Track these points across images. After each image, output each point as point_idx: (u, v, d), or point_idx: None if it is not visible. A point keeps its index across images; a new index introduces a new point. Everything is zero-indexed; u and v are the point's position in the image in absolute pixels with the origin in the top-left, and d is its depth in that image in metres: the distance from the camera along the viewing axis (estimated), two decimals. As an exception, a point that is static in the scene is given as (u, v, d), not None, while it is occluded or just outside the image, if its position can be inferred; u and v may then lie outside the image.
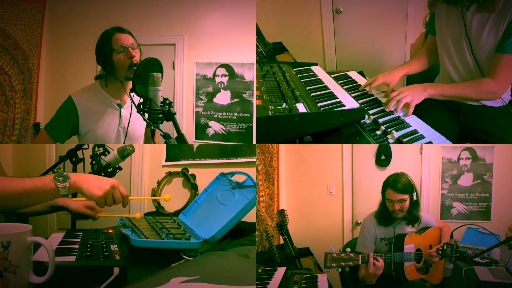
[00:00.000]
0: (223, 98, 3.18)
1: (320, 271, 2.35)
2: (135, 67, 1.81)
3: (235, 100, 3.14)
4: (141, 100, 1.61)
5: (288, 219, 2.69)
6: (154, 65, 1.63)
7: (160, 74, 1.58)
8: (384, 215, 2.15)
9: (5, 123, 2.90)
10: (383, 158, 3.05)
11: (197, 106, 3.23)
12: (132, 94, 1.74)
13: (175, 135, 1.56)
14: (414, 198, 2.13)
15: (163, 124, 1.59)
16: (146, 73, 1.57)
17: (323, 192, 3.17)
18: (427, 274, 2.10)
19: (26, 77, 3.09)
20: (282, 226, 2.54)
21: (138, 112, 1.59)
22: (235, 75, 3.14)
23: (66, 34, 3.31)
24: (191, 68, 3.22)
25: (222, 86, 3.17)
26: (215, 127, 3.20)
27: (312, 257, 2.59)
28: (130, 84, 1.92)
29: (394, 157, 3.04)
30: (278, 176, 3.11)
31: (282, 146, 3.15)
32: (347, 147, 3.11)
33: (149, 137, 2.12)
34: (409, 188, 2.10)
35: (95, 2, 3.24)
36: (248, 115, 3.12)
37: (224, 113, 3.17)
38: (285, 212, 2.70)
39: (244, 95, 3.12)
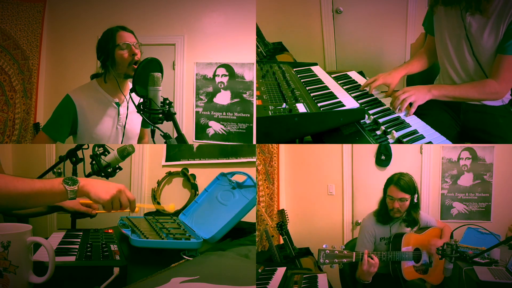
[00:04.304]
0: (223, 98, 3.18)
1: (320, 271, 2.35)
2: (135, 65, 1.81)
3: (235, 100, 3.15)
4: (141, 100, 1.60)
5: (288, 219, 2.69)
6: (154, 65, 1.63)
7: (160, 74, 1.58)
8: (383, 213, 2.15)
9: (5, 123, 2.89)
10: (383, 158, 3.05)
11: (197, 106, 3.23)
12: (131, 93, 1.74)
13: (175, 135, 1.56)
14: (415, 200, 2.13)
15: (163, 124, 1.59)
16: (146, 73, 1.57)
17: (323, 192, 3.17)
18: (426, 274, 2.10)
19: (26, 77, 3.08)
20: (282, 226, 2.54)
21: (138, 112, 1.59)
22: (235, 75, 3.14)
23: (66, 34, 3.31)
24: (191, 68, 3.22)
25: (222, 86, 3.17)
26: (215, 127, 3.21)
27: (312, 257, 2.59)
28: (126, 83, 1.93)
29: (394, 157, 3.04)
30: (278, 176, 3.11)
31: (282, 146, 3.15)
32: (347, 147, 3.11)
33: (142, 137, 2.12)
34: (411, 188, 2.10)
35: (95, 2, 3.24)
36: (248, 115, 3.12)
37: (224, 113, 3.17)
38: (285, 212, 2.69)
39: (244, 95, 3.12)
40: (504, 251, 2.23)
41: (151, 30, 3.16)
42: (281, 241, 2.56)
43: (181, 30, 3.19)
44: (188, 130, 3.22)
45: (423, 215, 2.22)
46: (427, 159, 3.04)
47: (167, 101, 1.58)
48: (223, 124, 3.18)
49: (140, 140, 2.14)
